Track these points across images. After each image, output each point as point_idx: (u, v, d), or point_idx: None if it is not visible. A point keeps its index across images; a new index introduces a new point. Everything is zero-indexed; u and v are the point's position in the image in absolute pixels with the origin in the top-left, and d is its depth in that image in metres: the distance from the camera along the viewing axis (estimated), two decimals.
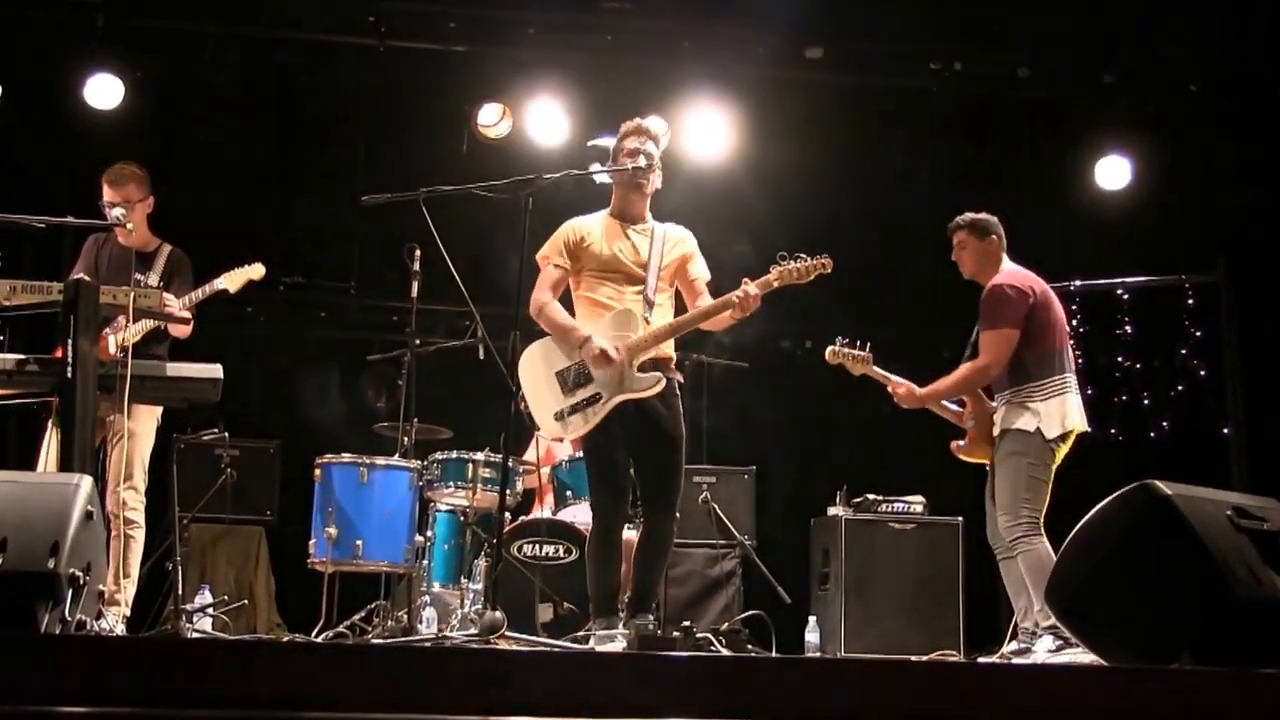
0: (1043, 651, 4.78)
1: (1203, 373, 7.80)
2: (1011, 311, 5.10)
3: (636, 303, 4.76)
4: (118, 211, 5.29)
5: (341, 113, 7.97)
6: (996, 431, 5.17)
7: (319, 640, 5.34)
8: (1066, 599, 3.51)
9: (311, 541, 5.75)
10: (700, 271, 4.97)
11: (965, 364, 5.26)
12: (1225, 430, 7.66)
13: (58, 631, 3.04)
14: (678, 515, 4.82)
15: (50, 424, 4.49)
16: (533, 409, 4.75)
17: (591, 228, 4.87)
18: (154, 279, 5.48)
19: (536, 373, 4.75)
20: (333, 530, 5.63)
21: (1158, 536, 3.26)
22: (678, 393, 4.82)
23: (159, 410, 5.38)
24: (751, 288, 4.68)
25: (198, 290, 5.44)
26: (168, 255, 5.58)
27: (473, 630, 4.88)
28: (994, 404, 5.24)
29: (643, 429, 4.69)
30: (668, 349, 4.81)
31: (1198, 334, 7.58)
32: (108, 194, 5.44)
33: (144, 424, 5.33)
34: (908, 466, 7.33)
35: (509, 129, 7.80)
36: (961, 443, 5.35)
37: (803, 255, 4.71)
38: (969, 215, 5.37)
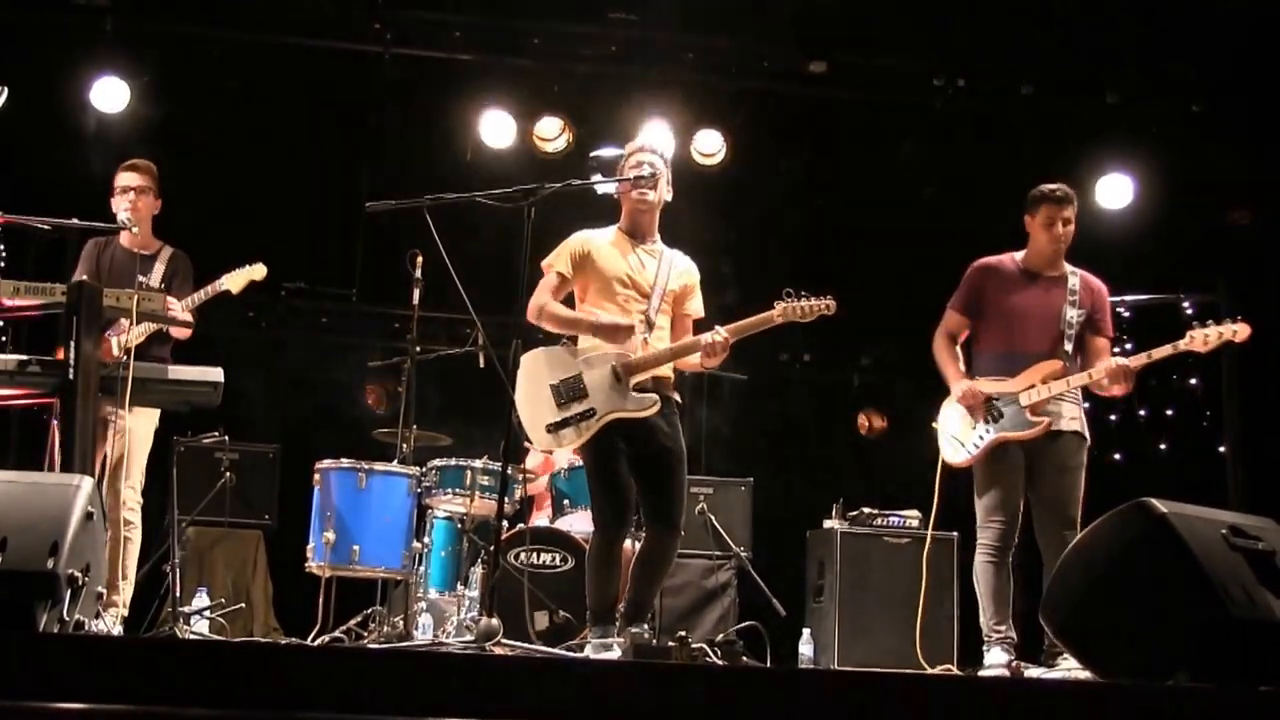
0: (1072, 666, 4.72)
1: (1200, 392, 7.82)
2: None
3: (639, 322, 4.76)
4: (123, 216, 5.32)
5: (346, 119, 7.99)
6: (1066, 427, 5.03)
7: (315, 644, 5.34)
8: (1062, 616, 3.52)
9: (309, 546, 5.76)
10: (695, 309, 4.97)
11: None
12: (1222, 449, 7.67)
13: (56, 631, 3.05)
14: (682, 533, 4.81)
15: (55, 425, 4.50)
16: (524, 419, 4.70)
17: (600, 242, 4.87)
18: (156, 281, 5.50)
19: (532, 384, 4.73)
20: (330, 535, 5.63)
21: (1153, 555, 3.28)
22: (676, 412, 4.82)
23: (157, 413, 5.39)
24: (720, 334, 4.65)
25: (200, 291, 5.47)
26: (169, 257, 5.61)
27: (469, 637, 4.87)
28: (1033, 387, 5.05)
29: (645, 447, 4.69)
30: (667, 370, 4.81)
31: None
32: (127, 179, 5.48)
33: (142, 426, 5.35)
34: (904, 480, 7.34)
35: (513, 138, 7.84)
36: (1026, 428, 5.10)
37: (807, 294, 4.72)
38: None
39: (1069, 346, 5.10)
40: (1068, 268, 5.26)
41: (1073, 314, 5.12)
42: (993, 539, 5.04)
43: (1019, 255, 5.31)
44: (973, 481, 5.20)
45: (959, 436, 5.16)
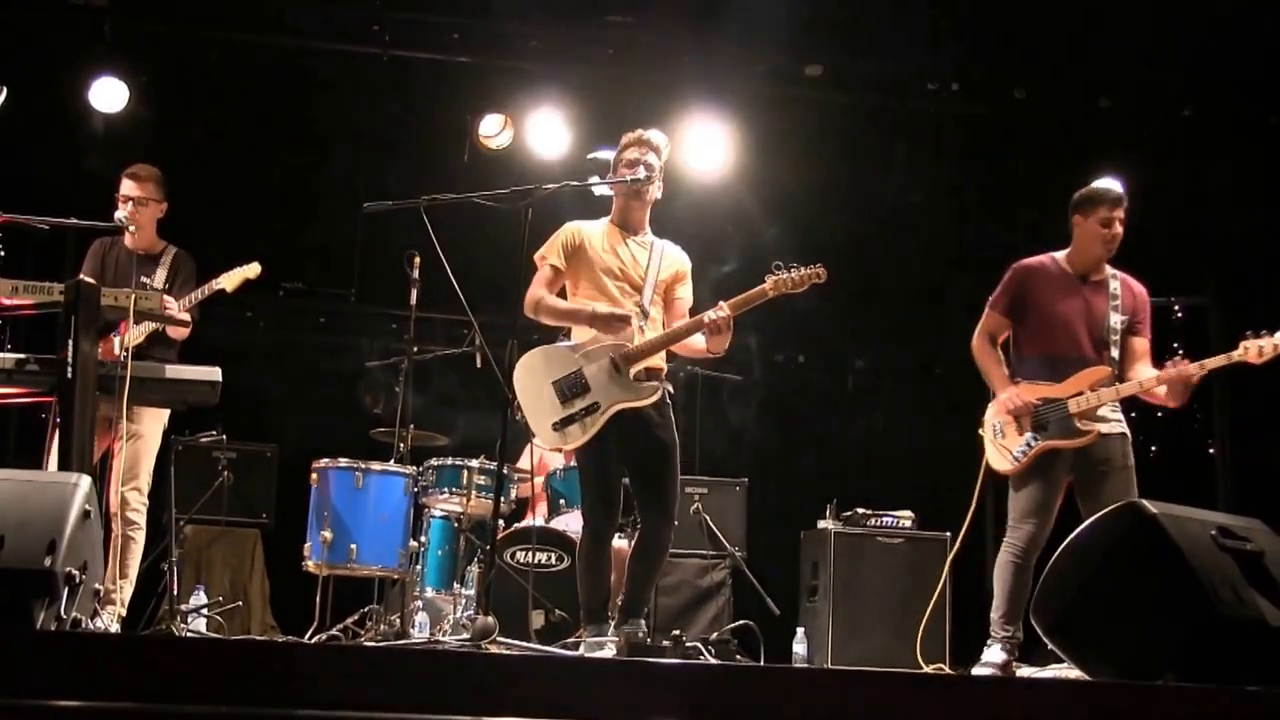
0: None
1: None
2: None
3: (633, 311, 4.78)
4: (120, 216, 5.34)
5: (344, 120, 8.01)
6: (1112, 430, 4.95)
7: (312, 643, 5.36)
8: (1053, 615, 3.55)
9: (306, 545, 5.78)
10: (686, 295, 4.98)
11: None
12: (1211, 450, 7.70)
13: (53, 629, 3.07)
14: (675, 523, 4.83)
15: (54, 423, 4.52)
16: (530, 419, 4.73)
17: (592, 233, 4.89)
18: (158, 282, 5.53)
19: (533, 382, 4.74)
20: (328, 534, 5.66)
21: (1143, 555, 3.30)
22: (669, 403, 4.85)
23: (165, 413, 5.42)
24: (723, 310, 4.63)
25: (196, 291, 5.49)
26: (173, 258, 5.64)
27: (465, 636, 4.89)
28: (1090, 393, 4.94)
29: (638, 438, 4.71)
30: (659, 360, 4.83)
31: (1186, 356, 7.64)
32: (128, 188, 5.51)
33: (150, 426, 5.38)
34: (898, 481, 7.36)
35: (510, 139, 7.85)
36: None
37: (797, 265, 4.73)
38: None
39: (1114, 352, 5.03)
40: (1109, 270, 5.16)
41: (1116, 319, 5.05)
42: (1022, 540, 4.94)
43: (1060, 256, 5.19)
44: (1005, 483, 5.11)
45: (1005, 443, 5.03)
